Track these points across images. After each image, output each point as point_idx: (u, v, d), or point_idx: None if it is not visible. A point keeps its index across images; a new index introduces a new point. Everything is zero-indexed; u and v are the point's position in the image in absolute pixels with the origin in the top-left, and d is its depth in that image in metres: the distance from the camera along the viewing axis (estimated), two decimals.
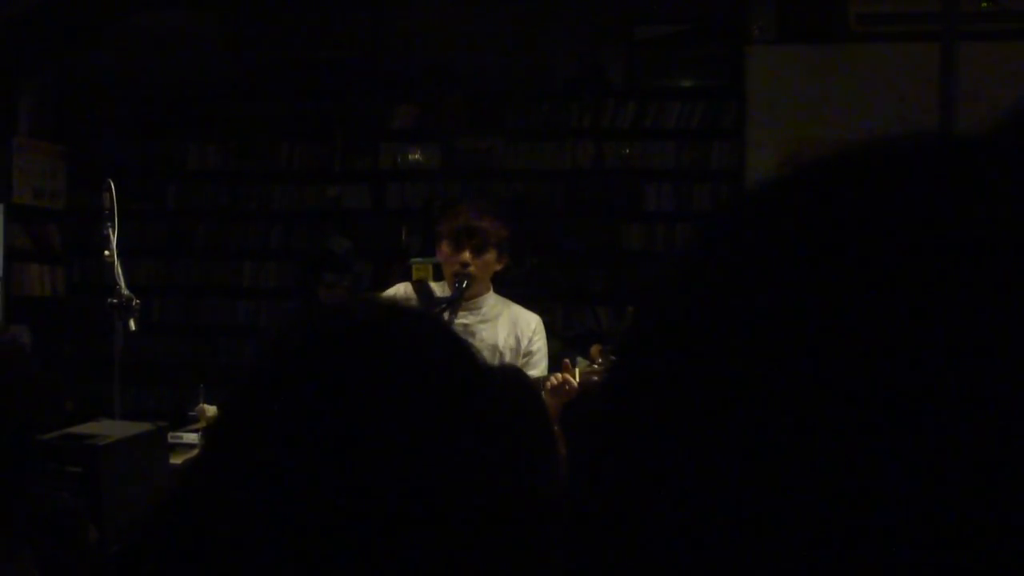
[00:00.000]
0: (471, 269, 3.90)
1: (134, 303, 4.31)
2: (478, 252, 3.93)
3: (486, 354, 3.70)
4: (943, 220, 0.42)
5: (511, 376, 2.81)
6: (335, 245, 5.54)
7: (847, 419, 0.41)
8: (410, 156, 8.24)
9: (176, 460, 4.11)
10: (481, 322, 3.98)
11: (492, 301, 4.06)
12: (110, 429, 3.40)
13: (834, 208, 0.45)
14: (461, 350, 1.14)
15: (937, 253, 0.42)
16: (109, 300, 4.33)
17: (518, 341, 4.01)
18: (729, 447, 0.43)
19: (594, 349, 3.98)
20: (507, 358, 3.92)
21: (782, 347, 0.42)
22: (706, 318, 0.45)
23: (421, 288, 4.12)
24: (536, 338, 4.04)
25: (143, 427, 3.54)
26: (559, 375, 3.76)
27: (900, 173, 0.45)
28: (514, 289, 4.27)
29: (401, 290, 4.12)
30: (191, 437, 4.60)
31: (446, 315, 3.78)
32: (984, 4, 6.78)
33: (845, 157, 0.47)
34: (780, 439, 0.42)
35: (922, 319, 0.41)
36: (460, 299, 3.90)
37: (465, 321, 3.91)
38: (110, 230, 4.42)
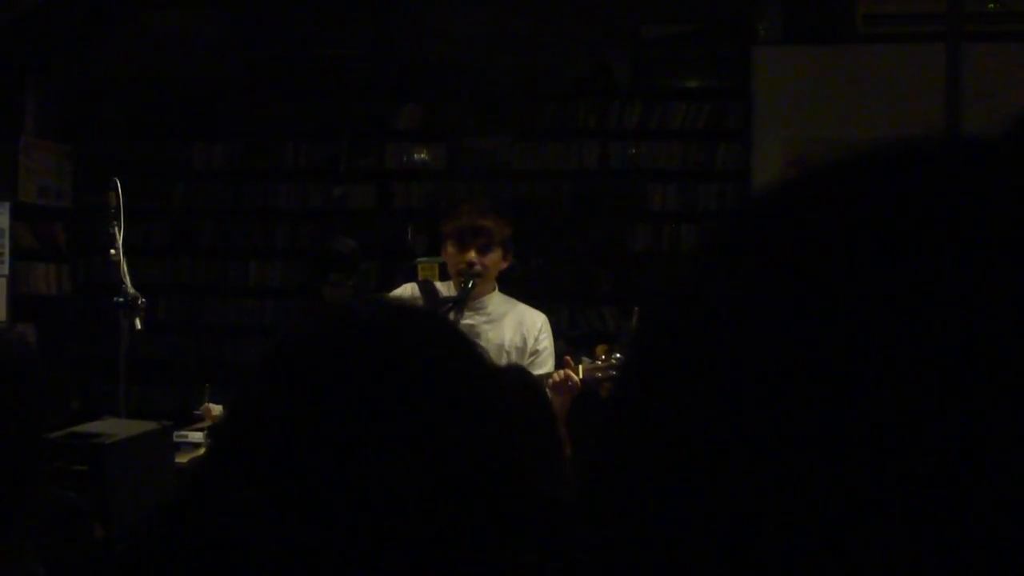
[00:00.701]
0: (477, 268, 3.91)
1: (140, 302, 4.32)
2: (483, 251, 3.93)
3: (492, 354, 3.70)
4: (953, 225, 0.42)
5: (517, 376, 2.81)
6: (340, 245, 5.54)
7: (862, 426, 0.41)
8: (416, 156, 8.24)
9: (181, 459, 4.12)
10: (487, 322, 3.98)
11: (497, 300, 4.06)
12: (115, 428, 3.40)
13: (842, 213, 0.45)
14: (468, 350, 1.14)
15: (946, 258, 0.42)
16: (115, 299, 4.34)
17: (524, 340, 4.01)
18: (738, 453, 0.43)
19: (599, 349, 3.98)
20: (513, 358, 3.92)
21: (792, 354, 0.42)
22: (714, 325, 0.45)
23: (427, 288, 4.12)
24: (542, 337, 4.04)
25: (148, 426, 3.54)
26: (561, 371, 3.76)
27: (908, 177, 0.45)
28: (519, 289, 4.27)
29: (407, 291, 4.13)
30: (196, 436, 4.61)
31: (452, 315, 3.78)
32: (990, 5, 6.77)
33: (852, 161, 0.47)
34: (791, 447, 0.42)
35: (931, 323, 0.41)
36: (467, 299, 3.90)
37: (470, 321, 3.90)
38: (116, 229, 4.43)
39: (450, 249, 3.98)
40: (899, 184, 0.45)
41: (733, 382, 0.43)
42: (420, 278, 4.50)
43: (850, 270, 0.43)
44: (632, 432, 0.48)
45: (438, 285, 4.16)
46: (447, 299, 3.94)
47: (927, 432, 0.40)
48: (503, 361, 3.84)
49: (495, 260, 3.98)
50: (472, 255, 3.91)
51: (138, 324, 4.34)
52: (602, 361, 3.81)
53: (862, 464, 0.40)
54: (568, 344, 5.79)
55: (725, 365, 0.44)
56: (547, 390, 3.58)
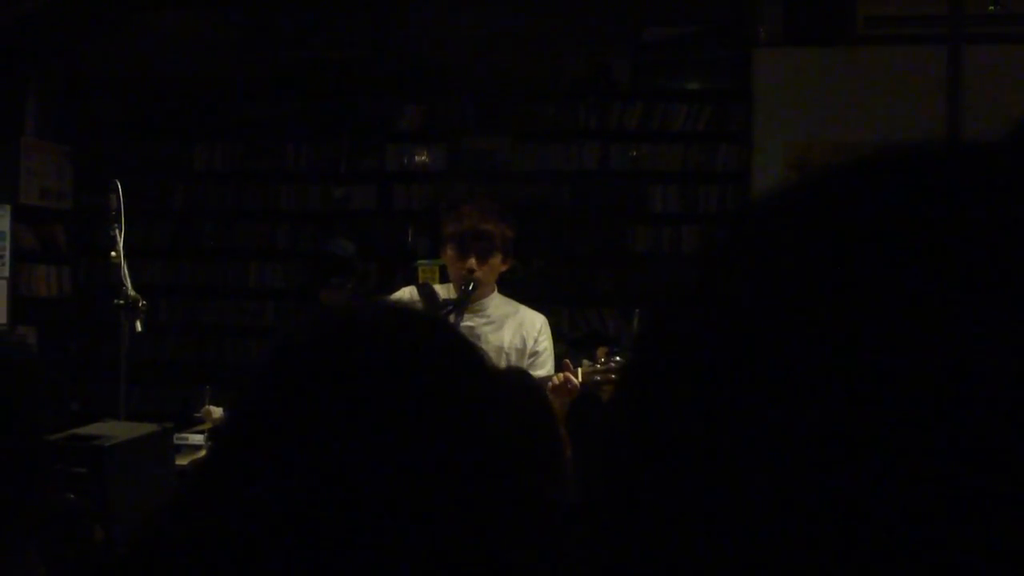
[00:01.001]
0: (477, 274, 3.88)
1: (140, 304, 4.31)
2: (484, 257, 3.91)
3: (492, 356, 3.70)
4: (954, 229, 0.42)
5: (518, 379, 2.81)
6: (339, 248, 5.54)
7: (863, 424, 0.41)
8: (416, 157, 8.25)
9: (182, 461, 4.12)
10: (486, 324, 3.98)
11: (497, 302, 4.05)
12: (116, 430, 3.40)
13: (845, 217, 0.45)
14: (468, 352, 1.14)
15: (947, 262, 0.42)
16: (115, 301, 4.34)
17: (523, 341, 4.00)
18: (739, 452, 0.43)
19: (600, 351, 3.97)
20: (513, 359, 3.92)
21: (795, 356, 0.43)
22: (716, 327, 0.45)
23: (426, 291, 4.12)
24: (541, 338, 4.03)
25: (149, 428, 3.53)
26: (560, 375, 3.76)
27: (912, 182, 0.45)
28: (520, 291, 4.26)
29: (406, 294, 4.12)
30: (197, 438, 4.60)
31: (452, 317, 3.77)
32: (991, 7, 6.77)
33: (855, 165, 0.47)
34: (794, 446, 0.42)
35: (931, 327, 0.41)
36: (467, 302, 3.88)
37: (470, 323, 3.89)
38: (116, 231, 4.42)
39: (450, 253, 3.95)
40: (903, 189, 0.45)
41: (736, 383, 0.43)
42: (420, 280, 4.50)
43: (853, 274, 0.43)
44: (635, 434, 0.48)
45: (437, 288, 4.15)
46: (447, 301, 3.93)
47: (932, 435, 0.40)
48: (503, 363, 3.84)
49: (495, 264, 3.96)
50: (472, 262, 3.88)
51: (139, 326, 4.34)
52: (601, 364, 3.81)
53: (866, 467, 0.40)
54: (569, 346, 5.79)
55: (728, 366, 0.44)
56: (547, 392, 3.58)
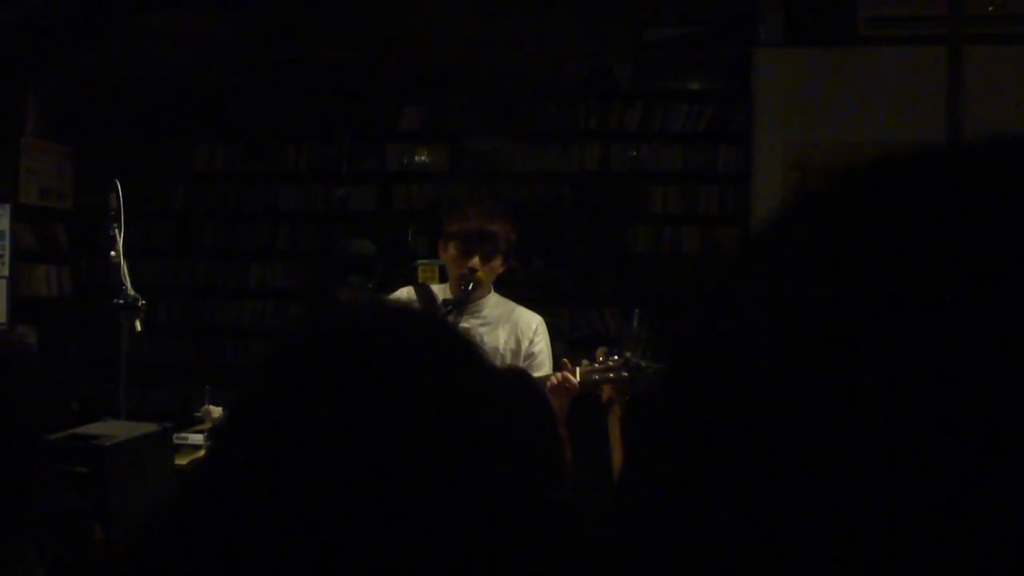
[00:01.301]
0: (479, 274, 3.87)
1: (140, 303, 4.31)
2: (487, 257, 3.90)
3: None
4: (971, 239, 0.42)
5: (518, 378, 2.81)
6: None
7: (887, 432, 0.41)
8: (417, 157, 8.25)
9: (181, 461, 4.12)
10: (482, 325, 3.96)
11: (494, 303, 4.04)
12: (116, 430, 3.40)
13: (876, 219, 0.45)
14: (468, 351, 1.14)
15: (961, 272, 0.42)
16: (115, 301, 4.34)
17: (519, 343, 3.98)
18: (767, 462, 0.43)
19: (599, 351, 3.97)
20: (508, 361, 3.90)
21: (815, 364, 0.43)
22: (753, 328, 0.45)
23: (423, 291, 4.11)
24: (538, 339, 4.01)
25: (149, 428, 3.54)
26: (559, 374, 3.74)
27: (927, 191, 0.45)
28: (520, 291, 4.25)
29: (404, 294, 4.11)
30: (196, 438, 4.61)
31: (451, 317, 3.76)
32: (991, 8, 6.77)
33: (879, 170, 0.47)
34: (820, 454, 0.42)
35: (949, 335, 0.41)
36: (466, 302, 3.87)
37: (466, 325, 3.88)
38: (117, 230, 4.42)
39: (452, 251, 3.93)
40: (938, 191, 0.45)
41: (777, 386, 0.43)
42: (419, 280, 4.49)
43: (883, 275, 0.43)
44: (677, 439, 0.47)
45: (434, 288, 4.15)
46: (446, 301, 3.92)
47: (983, 441, 0.40)
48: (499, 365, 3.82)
49: (496, 266, 3.95)
50: (476, 261, 3.87)
51: (138, 326, 4.34)
52: (599, 363, 3.80)
53: (901, 471, 0.40)
54: (569, 346, 5.79)
55: (765, 368, 0.44)
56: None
